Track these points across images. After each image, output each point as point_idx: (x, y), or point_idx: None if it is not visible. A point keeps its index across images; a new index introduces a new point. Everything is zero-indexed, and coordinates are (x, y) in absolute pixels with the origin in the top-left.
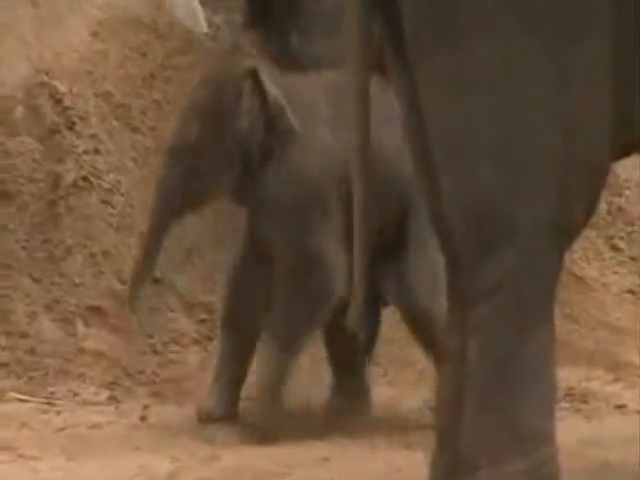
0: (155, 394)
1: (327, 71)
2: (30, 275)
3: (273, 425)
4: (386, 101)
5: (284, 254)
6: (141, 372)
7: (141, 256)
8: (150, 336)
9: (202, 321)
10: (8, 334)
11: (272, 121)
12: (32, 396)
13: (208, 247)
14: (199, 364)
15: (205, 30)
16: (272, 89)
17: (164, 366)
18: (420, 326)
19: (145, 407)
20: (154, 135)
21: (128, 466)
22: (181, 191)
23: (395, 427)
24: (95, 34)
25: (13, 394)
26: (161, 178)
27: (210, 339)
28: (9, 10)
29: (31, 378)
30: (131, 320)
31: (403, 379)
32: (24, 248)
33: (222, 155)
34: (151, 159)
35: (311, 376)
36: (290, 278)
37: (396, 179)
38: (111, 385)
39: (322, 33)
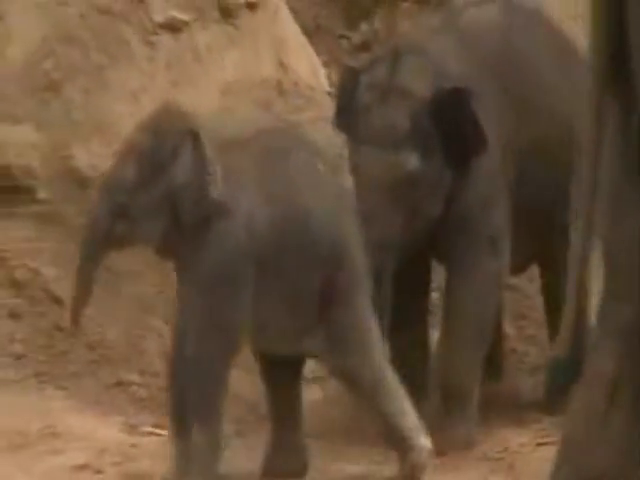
0: None
1: (262, 135)
2: (163, 317)
3: None
4: (317, 166)
5: (192, 316)
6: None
7: (76, 285)
8: None
9: None
10: (142, 372)
11: (205, 187)
12: (165, 430)
13: None
14: (319, 401)
15: (326, 88)
16: (211, 156)
17: None
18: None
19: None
20: None
21: None
22: (109, 225)
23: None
24: (224, 92)
25: (148, 428)
26: (92, 210)
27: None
28: (146, 74)
29: (164, 413)
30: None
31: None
32: (159, 292)
33: (152, 202)
34: None
35: None
36: (195, 339)
37: (328, 240)
38: (239, 421)
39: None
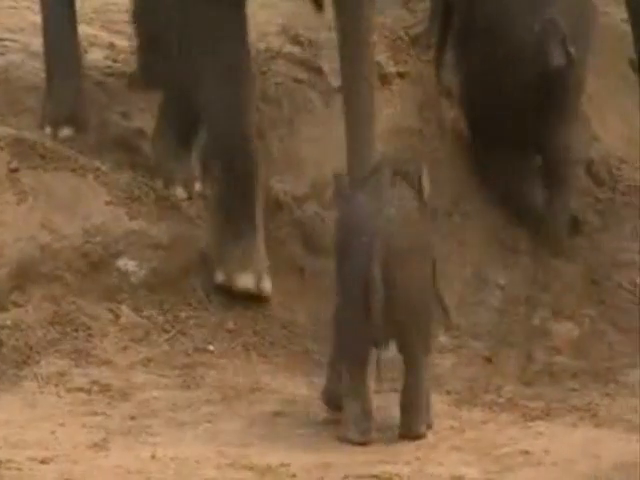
0: None
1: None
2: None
3: None
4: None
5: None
6: None
7: None
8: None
9: None
10: (323, 343)
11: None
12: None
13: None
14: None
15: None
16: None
17: None
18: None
19: None
20: None
21: None
22: None
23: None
24: (379, 138)
25: None
26: None
27: None
28: (325, 125)
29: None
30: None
31: None
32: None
33: None
34: None
35: None
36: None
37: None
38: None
39: None
